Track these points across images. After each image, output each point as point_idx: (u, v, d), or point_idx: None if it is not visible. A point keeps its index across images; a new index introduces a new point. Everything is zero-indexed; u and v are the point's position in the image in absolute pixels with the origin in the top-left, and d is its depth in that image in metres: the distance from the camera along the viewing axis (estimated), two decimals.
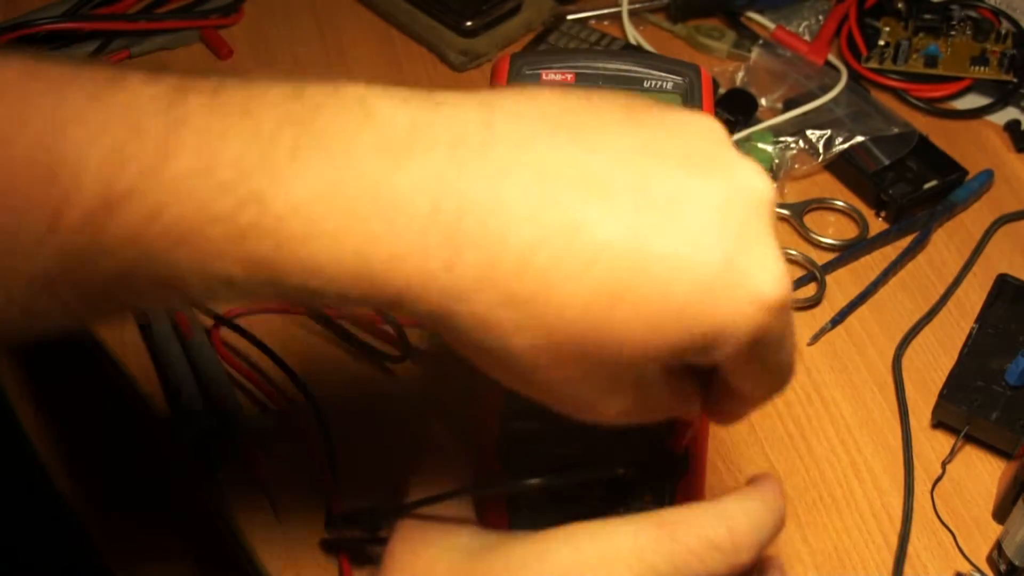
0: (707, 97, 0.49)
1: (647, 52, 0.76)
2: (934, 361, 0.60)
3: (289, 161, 0.29)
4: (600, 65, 0.49)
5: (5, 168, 0.29)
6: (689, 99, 0.48)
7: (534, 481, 0.41)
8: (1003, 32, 0.73)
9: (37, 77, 0.30)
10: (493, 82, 0.49)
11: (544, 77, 0.48)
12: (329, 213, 0.29)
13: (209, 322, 0.57)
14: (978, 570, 0.52)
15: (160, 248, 0.29)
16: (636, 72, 0.49)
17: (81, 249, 0.29)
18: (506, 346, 0.31)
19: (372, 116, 0.30)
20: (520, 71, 0.48)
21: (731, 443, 0.55)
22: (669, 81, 0.49)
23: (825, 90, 0.71)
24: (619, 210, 0.30)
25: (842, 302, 0.62)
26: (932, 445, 0.57)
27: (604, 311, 0.30)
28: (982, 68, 0.72)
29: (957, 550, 0.52)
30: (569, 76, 0.49)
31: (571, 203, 0.29)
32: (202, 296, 0.32)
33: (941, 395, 0.56)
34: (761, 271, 0.30)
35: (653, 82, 0.49)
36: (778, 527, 0.38)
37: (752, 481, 0.39)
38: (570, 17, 0.77)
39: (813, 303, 0.62)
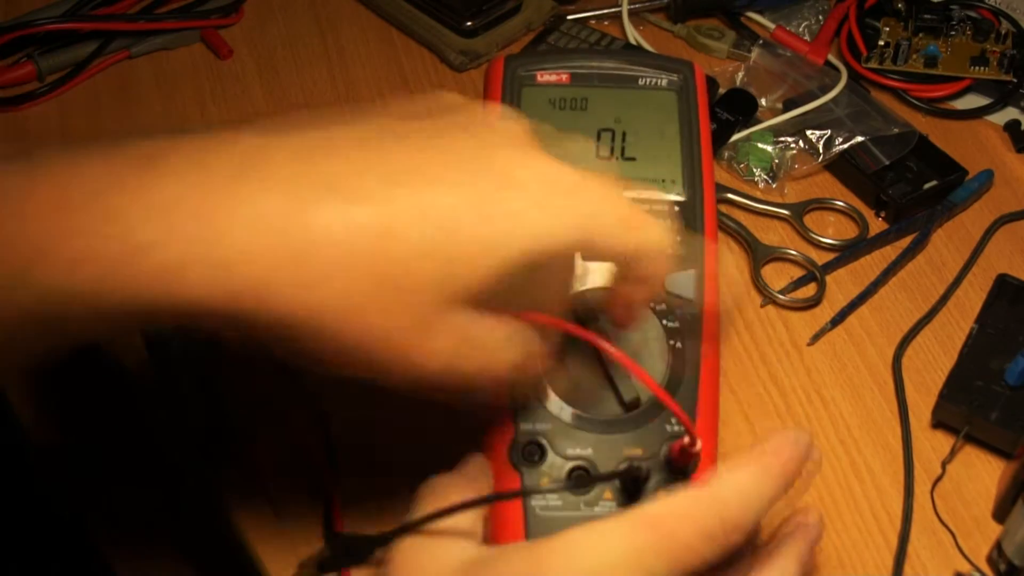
0: (701, 93, 0.49)
1: (641, 50, 0.76)
2: (934, 361, 0.60)
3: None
4: (594, 64, 0.49)
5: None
6: (684, 95, 0.49)
7: (549, 486, 0.41)
8: (1003, 32, 0.73)
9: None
10: (488, 84, 0.49)
11: (539, 78, 0.49)
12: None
13: None
14: (978, 570, 0.52)
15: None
16: (630, 70, 0.49)
17: None
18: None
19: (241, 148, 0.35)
20: (514, 72, 0.48)
21: (731, 443, 0.55)
22: (663, 78, 0.49)
23: (825, 90, 0.71)
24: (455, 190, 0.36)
25: (842, 302, 0.62)
26: (932, 445, 0.56)
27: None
28: (982, 68, 0.72)
29: (957, 550, 0.52)
30: (564, 76, 0.49)
31: (416, 190, 0.36)
32: None
33: (941, 395, 0.56)
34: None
35: (647, 79, 0.49)
36: (778, 492, 0.38)
37: (758, 444, 0.39)
38: (570, 17, 0.78)
39: (813, 303, 0.62)
